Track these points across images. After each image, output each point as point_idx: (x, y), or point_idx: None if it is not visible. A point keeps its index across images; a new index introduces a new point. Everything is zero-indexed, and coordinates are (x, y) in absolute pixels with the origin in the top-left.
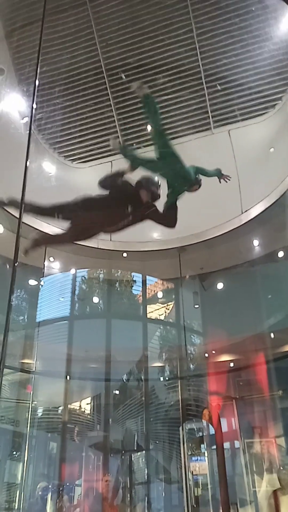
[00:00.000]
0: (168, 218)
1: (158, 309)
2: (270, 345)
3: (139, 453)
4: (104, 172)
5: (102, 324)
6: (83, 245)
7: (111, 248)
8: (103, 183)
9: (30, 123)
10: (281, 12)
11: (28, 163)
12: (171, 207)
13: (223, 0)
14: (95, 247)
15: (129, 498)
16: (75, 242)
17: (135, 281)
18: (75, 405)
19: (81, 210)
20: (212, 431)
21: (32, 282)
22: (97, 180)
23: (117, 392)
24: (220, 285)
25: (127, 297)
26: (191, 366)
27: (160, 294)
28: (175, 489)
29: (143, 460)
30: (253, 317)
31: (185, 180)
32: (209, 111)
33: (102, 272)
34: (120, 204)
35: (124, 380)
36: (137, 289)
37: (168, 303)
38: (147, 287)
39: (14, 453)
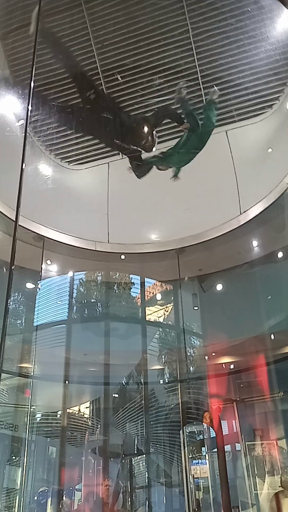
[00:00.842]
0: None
1: (157, 311)
2: (271, 346)
3: (139, 457)
4: (101, 174)
5: (100, 327)
6: (81, 248)
7: (108, 250)
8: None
9: (25, 125)
10: (277, 12)
11: (24, 165)
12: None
13: (219, 0)
14: (92, 249)
15: (129, 503)
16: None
17: (133, 283)
18: (74, 409)
19: None
20: (213, 434)
21: (30, 285)
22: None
23: (116, 395)
24: (219, 287)
25: (126, 300)
26: (191, 368)
27: (159, 296)
28: (176, 493)
29: (144, 464)
30: (253, 318)
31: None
32: None
33: (100, 274)
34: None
35: (124, 384)
36: (135, 291)
37: (167, 305)
38: (145, 289)
39: (13, 458)
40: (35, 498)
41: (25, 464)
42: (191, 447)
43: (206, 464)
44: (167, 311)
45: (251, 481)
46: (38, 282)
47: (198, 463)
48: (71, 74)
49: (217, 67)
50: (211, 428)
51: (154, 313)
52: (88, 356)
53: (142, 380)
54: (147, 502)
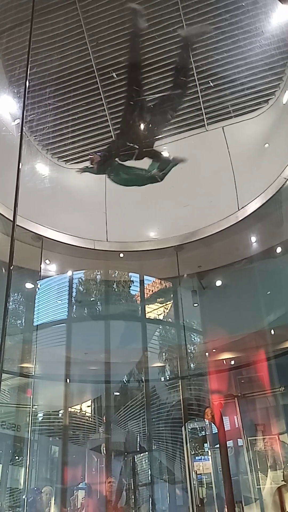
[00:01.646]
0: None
1: (156, 309)
2: (271, 341)
3: (142, 454)
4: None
5: (100, 326)
6: (79, 247)
7: (107, 249)
8: None
9: (21, 125)
10: (271, 6)
11: (20, 165)
12: None
13: None
14: (91, 248)
15: (133, 500)
16: None
17: (132, 281)
18: (76, 408)
19: None
20: (214, 430)
21: (29, 285)
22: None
23: (117, 393)
24: (218, 283)
25: (125, 298)
26: (192, 365)
27: (158, 294)
28: (179, 489)
29: (146, 461)
30: (253, 314)
31: None
32: (203, 108)
33: (99, 273)
34: None
35: (125, 382)
36: (135, 289)
37: (167, 303)
38: (145, 287)
39: (16, 458)
40: (24, 496)
41: (28, 463)
42: (193, 444)
43: (208, 460)
44: (167, 309)
45: (253, 476)
46: (38, 282)
47: (201, 459)
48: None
49: (212, 63)
50: (213, 424)
51: (154, 311)
52: (88, 355)
53: (143, 377)
54: (150, 499)
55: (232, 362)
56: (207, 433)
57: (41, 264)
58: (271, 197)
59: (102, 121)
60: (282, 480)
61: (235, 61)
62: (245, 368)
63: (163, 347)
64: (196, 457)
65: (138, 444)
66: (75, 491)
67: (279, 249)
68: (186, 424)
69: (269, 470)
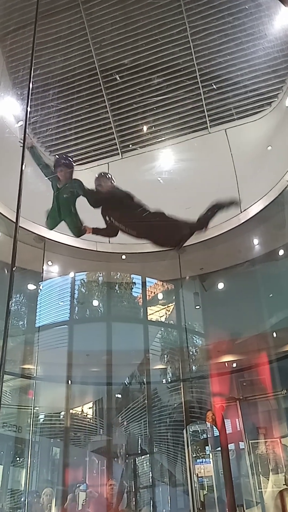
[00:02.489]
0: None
1: (158, 311)
2: (273, 344)
3: (143, 457)
4: None
5: (102, 328)
6: (82, 248)
7: (109, 251)
8: None
9: (25, 126)
10: (275, 9)
11: (24, 167)
12: None
13: None
14: (93, 250)
15: (134, 503)
16: None
17: (134, 283)
18: (77, 410)
19: None
20: (216, 432)
21: (31, 286)
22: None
23: (119, 395)
24: (220, 285)
25: (127, 300)
26: (194, 367)
27: (160, 296)
28: (180, 492)
29: (148, 463)
30: (255, 316)
31: None
32: (205, 111)
33: (101, 275)
34: None
35: (126, 384)
36: (137, 291)
37: (169, 305)
38: (147, 289)
39: (17, 459)
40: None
41: (29, 465)
42: (194, 446)
43: (210, 463)
44: (169, 311)
45: (255, 479)
46: (40, 283)
47: (202, 462)
48: None
49: (215, 66)
50: (214, 427)
51: (156, 313)
52: (90, 357)
53: (144, 380)
54: (151, 502)
55: (234, 365)
56: (208, 436)
57: (43, 265)
58: (273, 200)
59: (105, 122)
60: (284, 484)
61: (238, 64)
62: (247, 371)
63: (164, 349)
64: (198, 460)
65: (139, 447)
66: (75, 491)
67: (281, 252)
68: (188, 426)
69: (270, 473)
